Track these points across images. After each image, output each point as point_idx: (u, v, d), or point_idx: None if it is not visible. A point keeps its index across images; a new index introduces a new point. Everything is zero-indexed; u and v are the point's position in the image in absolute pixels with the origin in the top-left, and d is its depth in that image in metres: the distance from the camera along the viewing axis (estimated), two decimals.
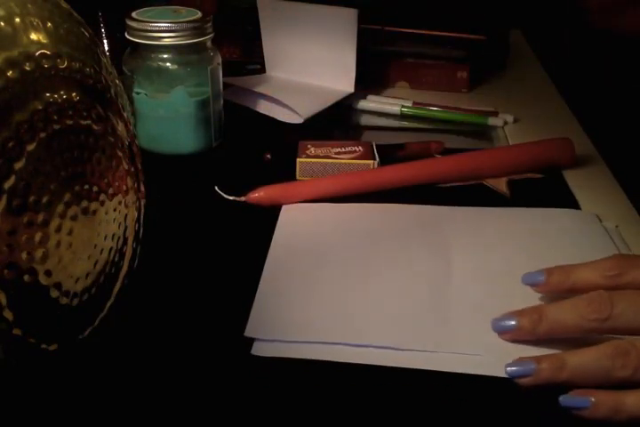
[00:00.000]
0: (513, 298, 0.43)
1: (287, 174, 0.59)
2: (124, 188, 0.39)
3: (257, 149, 0.61)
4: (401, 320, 0.42)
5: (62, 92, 0.32)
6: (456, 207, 0.54)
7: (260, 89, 0.72)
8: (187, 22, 0.57)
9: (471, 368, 0.38)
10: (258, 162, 0.61)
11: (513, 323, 0.39)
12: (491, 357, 0.39)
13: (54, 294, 0.33)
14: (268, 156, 0.61)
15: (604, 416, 0.34)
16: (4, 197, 0.29)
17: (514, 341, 0.40)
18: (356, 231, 0.51)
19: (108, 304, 0.38)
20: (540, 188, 0.58)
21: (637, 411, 0.34)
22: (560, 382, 0.36)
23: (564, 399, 0.35)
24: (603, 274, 0.38)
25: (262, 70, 0.77)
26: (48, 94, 0.31)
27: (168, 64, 0.59)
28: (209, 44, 0.60)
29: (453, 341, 0.40)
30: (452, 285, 0.45)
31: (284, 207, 0.54)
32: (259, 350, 0.40)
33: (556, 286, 0.40)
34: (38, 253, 0.31)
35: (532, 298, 0.43)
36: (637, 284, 0.37)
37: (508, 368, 0.37)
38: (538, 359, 0.36)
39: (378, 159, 0.57)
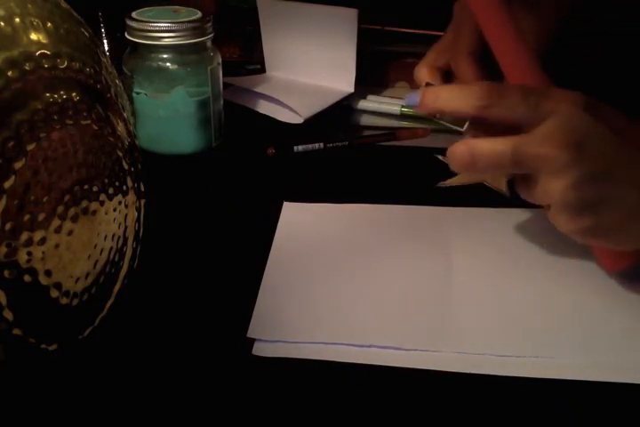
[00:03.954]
0: (514, 297, 0.43)
1: (288, 172, 0.59)
2: (124, 188, 0.39)
3: (258, 148, 0.62)
4: (403, 320, 0.42)
5: (62, 92, 0.32)
6: (456, 208, 0.54)
7: (259, 89, 0.72)
8: (187, 22, 0.57)
9: (474, 368, 0.38)
10: (258, 162, 0.61)
11: (417, 99, 0.41)
12: (493, 356, 0.39)
13: (54, 294, 0.33)
14: (272, 150, 0.61)
15: (461, 160, 0.39)
16: (4, 197, 0.29)
17: (512, 337, 0.40)
18: (357, 232, 0.51)
19: (108, 304, 0.38)
20: None
21: (490, 153, 0.38)
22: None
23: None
24: (471, 103, 0.39)
25: (262, 70, 0.77)
26: (48, 94, 0.31)
27: (168, 64, 0.59)
28: (209, 44, 0.60)
29: (456, 340, 0.40)
30: (453, 284, 0.45)
31: (284, 207, 0.54)
32: (260, 350, 0.40)
33: (428, 107, 0.41)
34: (38, 253, 0.31)
35: (533, 296, 0.44)
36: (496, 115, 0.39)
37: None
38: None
39: None
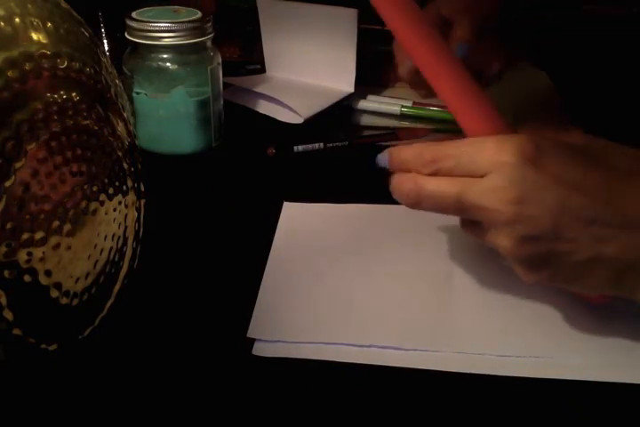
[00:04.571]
0: (514, 297, 0.43)
1: (288, 172, 0.59)
2: (124, 188, 0.39)
3: (258, 148, 0.62)
4: (403, 320, 0.42)
5: (62, 92, 0.32)
6: None
7: (259, 89, 0.72)
8: (187, 22, 0.57)
9: (474, 368, 0.38)
10: (258, 162, 0.61)
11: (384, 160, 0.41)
12: (493, 356, 0.39)
13: (54, 294, 0.33)
14: (272, 150, 0.61)
15: (407, 198, 0.38)
16: (4, 197, 0.29)
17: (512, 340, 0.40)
18: (358, 232, 0.51)
19: (108, 304, 0.38)
20: None
21: (435, 194, 0.37)
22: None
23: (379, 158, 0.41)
24: (421, 163, 0.39)
25: (262, 70, 0.77)
26: (48, 94, 0.31)
27: (168, 64, 0.59)
28: (209, 44, 0.60)
29: (456, 340, 0.40)
30: (453, 284, 0.45)
31: (284, 207, 0.54)
32: (260, 350, 0.40)
33: (396, 168, 0.41)
34: (38, 253, 0.31)
35: (533, 295, 0.44)
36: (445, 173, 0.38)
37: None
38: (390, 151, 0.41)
39: None
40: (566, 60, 0.60)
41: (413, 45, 0.39)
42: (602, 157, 0.36)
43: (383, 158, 0.41)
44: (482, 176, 0.36)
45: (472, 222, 0.39)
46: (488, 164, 0.36)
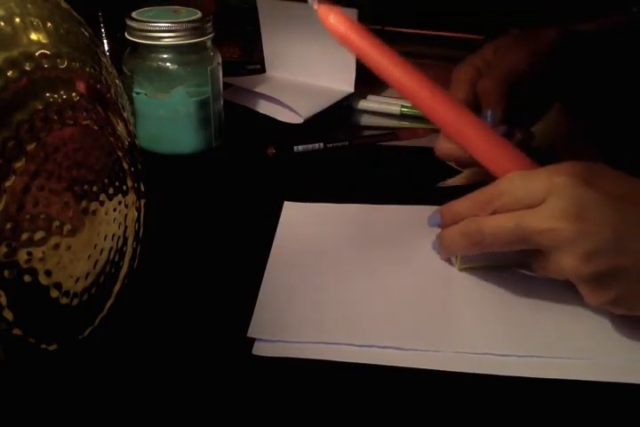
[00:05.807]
0: (515, 296, 0.43)
1: (288, 172, 0.59)
2: (124, 188, 0.39)
3: (258, 148, 0.62)
4: (404, 320, 0.42)
5: (62, 92, 0.32)
6: None
7: (259, 89, 0.72)
8: (187, 22, 0.57)
9: (474, 368, 0.38)
10: (258, 162, 0.61)
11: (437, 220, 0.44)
12: (493, 356, 0.39)
13: (54, 294, 0.33)
14: (272, 150, 0.61)
15: (469, 239, 0.40)
16: (4, 197, 0.29)
17: (515, 339, 0.40)
18: (358, 232, 0.51)
19: (108, 304, 0.38)
20: None
21: (496, 229, 0.39)
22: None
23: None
24: (478, 208, 0.41)
25: (262, 70, 0.77)
26: (48, 94, 0.31)
27: (168, 64, 0.59)
28: (209, 44, 0.60)
29: (457, 340, 0.40)
30: (454, 284, 0.45)
31: (285, 206, 0.54)
32: (260, 350, 0.40)
33: (450, 223, 0.43)
34: (38, 253, 0.31)
35: (533, 294, 0.44)
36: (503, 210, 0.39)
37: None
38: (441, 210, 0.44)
39: None
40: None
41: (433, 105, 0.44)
42: None
43: (435, 218, 0.44)
44: (539, 205, 0.37)
45: (535, 255, 0.40)
46: (544, 188, 0.37)
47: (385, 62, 0.45)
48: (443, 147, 0.49)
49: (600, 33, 0.57)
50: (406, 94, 0.45)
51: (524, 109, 0.52)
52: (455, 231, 0.42)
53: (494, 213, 0.39)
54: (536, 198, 0.38)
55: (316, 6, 0.45)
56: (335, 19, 0.45)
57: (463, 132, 0.44)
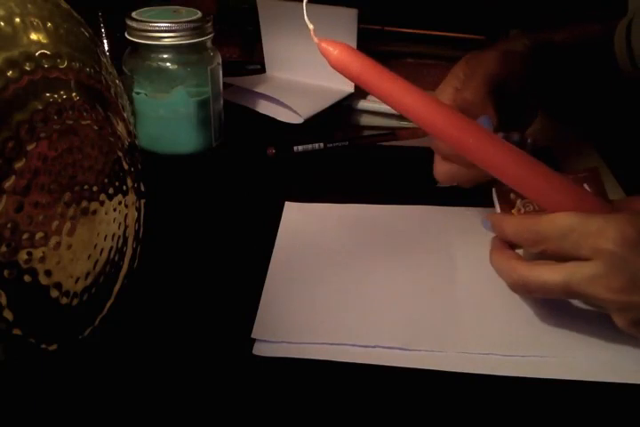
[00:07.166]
0: (518, 297, 0.43)
1: (288, 172, 0.59)
2: (124, 188, 0.39)
3: (258, 148, 0.62)
4: (408, 320, 0.42)
5: (62, 92, 0.32)
6: (457, 207, 0.54)
7: (260, 89, 0.72)
8: (187, 22, 0.57)
9: (478, 368, 0.38)
10: (258, 162, 0.61)
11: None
12: (497, 356, 0.39)
13: (54, 294, 0.33)
14: (272, 150, 0.61)
15: (513, 286, 0.40)
16: (4, 197, 0.29)
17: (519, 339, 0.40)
18: (360, 232, 0.51)
19: (108, 304, 0.38)
20: None
21: (542, 284, 0.38)
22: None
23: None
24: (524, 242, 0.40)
25: (262, 70, 0.77)
26: (48, 94, 0.31)
27: (168, 64, 0.59)
28: (209, 44, 0.60)
29: (460, 341, 0.40)
30: (456, 284, 0.45)
31: (286, 207, 0.54)
32: (260, 350, 0.40)
33: (498, 235, 0.43)
34: (38, 253, 0.31)
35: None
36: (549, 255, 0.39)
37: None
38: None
39: None
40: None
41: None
42: None
43: (487, 224, 0.43)
44: (586, 259, 0.37)
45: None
46: (591, 251, 0.37)
47: (418, 106, 0.42)
48: (442, 171, 0.48)
49: (572, 40, 0.57)
50: (450, 141, 0.42)
51: (515, 114, 0.51)
52: (502, 274, 0.41)
53: (541, 252, 0.39)
54: (583, 256, 0.37)
55: (316, 40, 0.42)
56: (342, 56, 0.43)
57: (525, 179, 0.40)
